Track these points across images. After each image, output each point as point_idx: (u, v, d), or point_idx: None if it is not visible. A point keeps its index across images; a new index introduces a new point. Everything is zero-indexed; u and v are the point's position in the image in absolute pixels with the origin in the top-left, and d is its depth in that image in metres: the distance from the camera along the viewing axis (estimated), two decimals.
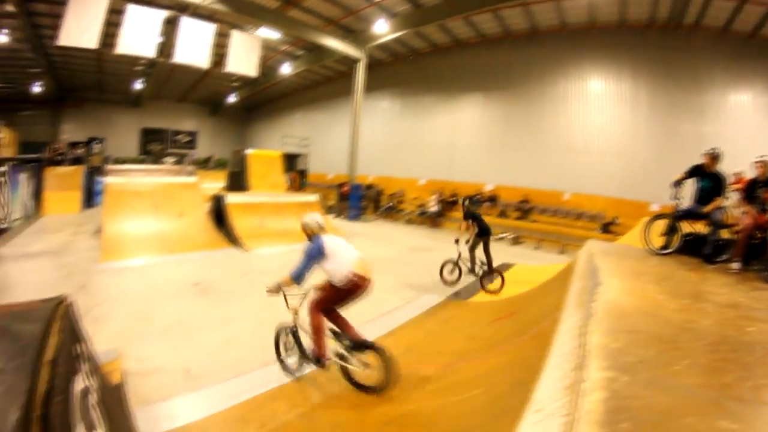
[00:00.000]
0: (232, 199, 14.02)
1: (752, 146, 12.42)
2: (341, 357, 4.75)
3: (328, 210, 20.50)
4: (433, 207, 20.19)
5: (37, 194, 18.74)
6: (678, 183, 6.59)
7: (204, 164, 31.94)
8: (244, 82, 30.67)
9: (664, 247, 6.62)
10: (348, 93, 22.73)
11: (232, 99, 35.01)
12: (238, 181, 16.63)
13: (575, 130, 18.99)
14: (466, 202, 10.69)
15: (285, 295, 5.07)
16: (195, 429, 4.15)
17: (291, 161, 20.13)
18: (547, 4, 18.24)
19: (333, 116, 29.62)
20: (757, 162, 6.32)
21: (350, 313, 5.19)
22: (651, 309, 3.81)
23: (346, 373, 4.74)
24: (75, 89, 31.89)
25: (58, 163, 22.51)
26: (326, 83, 30.43)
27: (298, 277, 4.87)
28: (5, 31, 19.49)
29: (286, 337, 5.34)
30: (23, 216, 16.01)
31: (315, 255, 4.87)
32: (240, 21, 18.87)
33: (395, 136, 25.80)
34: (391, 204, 22.78)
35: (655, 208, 14.89)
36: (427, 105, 24.50)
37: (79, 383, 2.19)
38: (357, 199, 21.40)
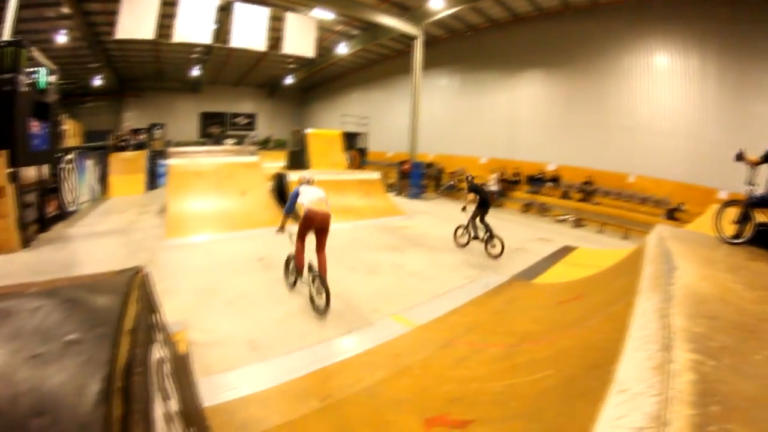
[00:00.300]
0: (295, 177, 14.24)
1: None
2: (311, 279, 6.78)
3: (389, 188, 20.54)
4: (492, 186, 19.82)
5: (103, 178, 19.84)
6: (753, 166, 6.02)
7: (264, 144, 32.75)
8: (301, 63, 31.14)
9: (736, 236, 6.24)
10: (405, 71, 22.57)
11: (289, 81, 35.47)
12: (298, 160, 16.99)
13: (640, 109, 17.92)
14: (470, 178, 11.99)
15: (289, 233, 7.39)
16: (257, 400, 4.22)
17: (350, 140, 20.33)
18: None
19: (391, 94, 29.48)
20: None
21: (418, 288, 5.75)
22: (727, 297, 3.60)
23: (309, 291, 6.78)
24: (134, 79, 33.46)
25: (122, 149, 23.80)
26: (383, 62, 30.25)
27: (287, 211, 7.29)
28: (63, 31, 20.62)
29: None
30: (90, 199, 17.00)
31: (294, 196, 7.22)
32: (293, 3, 18.94)
33: (455, 114, 25.34)
34: (452, 182, 22.55)
35: (723, 195, 13.95)
36: (486, 82, 23.89)
37: (156, 353, 2.22)
38: (418, 178, 21.33)
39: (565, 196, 18.67)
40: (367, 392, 4.23)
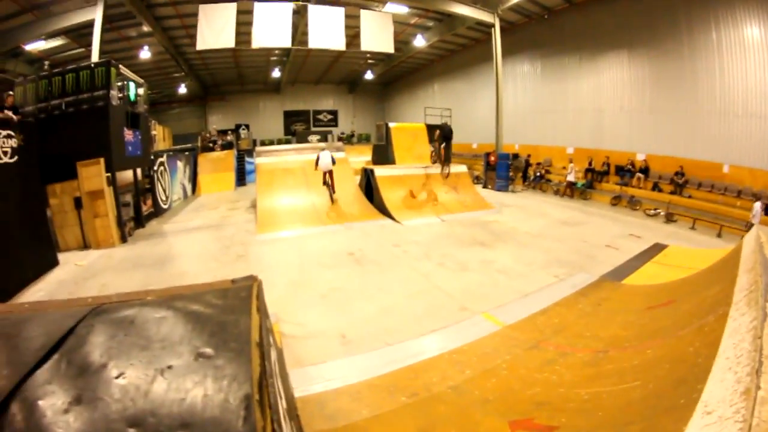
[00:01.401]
0: (381, 172, 14.66)
1: None
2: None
3: (475, 180, 20.42)
4: (570, 176, 19.40)
5: (194, 177, 21.19)
6: None
7: (348, 140, 33.54)
8: (379, 58, 31.49)
9: None
10: (485, 59, 22.42)
11: (368, 76, 35.81)
12: (382, 155, 17.25)
13: (733, 89, 15.98)
14: (438, 132, 15.88)
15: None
16: (347, 393, 4.37)
17: (434, 132, 20.47)
18: None
19: (472, 84, 29.03)
20: None
21: (507, 285, 6.58)
22: None
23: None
24: (216, 84, 35.49)
25: (210, 150, 25.20)
26: (461, 51, 29.89)
27: (316, 164, 13.72)
28: (146, 47, 22.29)
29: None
30: (182, 197, 18.28)
31: (317, 159, 13.67)
32: (366, 1, 19.40)
33: (538, 102, 24.51)
34: (539, 174, 22.03)
35: None
36: (568, 66, 22.82)
37: (273, 356, 2.27)
38: (504, 169, 21.05)
39: (656, 187, 17.69)
40: (454, 391, 4.31)
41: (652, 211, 16.35)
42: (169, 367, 1.54)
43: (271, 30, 17.36)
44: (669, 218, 15.70)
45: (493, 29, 21.38)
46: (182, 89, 33.02)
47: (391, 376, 4.72)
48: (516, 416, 3.64)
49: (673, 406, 2.44)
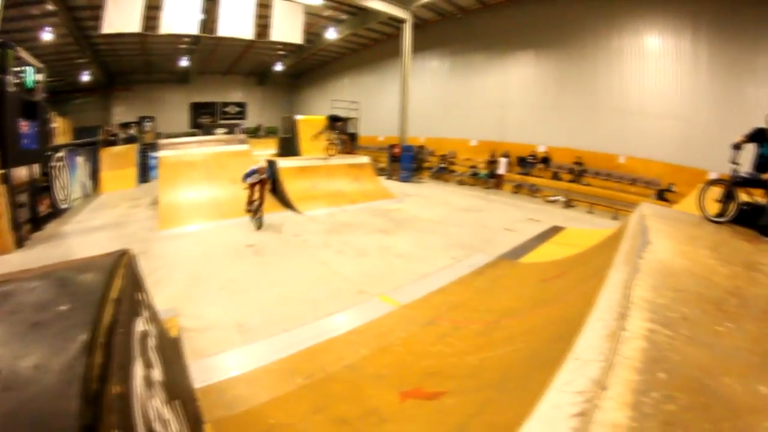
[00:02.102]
0: (284, 163, 14.37)
1: None
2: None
3: (380, 172, 20.59)
4: (500, 169, 20.12)
5: (95, 174, 19.84)
6: (738, 146, 6.08)
7: (254, 133, 32.69)
8: (290, 50, 30.91)
9: (720, 214, 6.29)
10: (396, 55, 22.49)
11: (278, 68, 35.21)
12: (288, 147, 16.99)
13: (631, 90, 17.96)
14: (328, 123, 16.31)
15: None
16: (245, 380, 4.39)
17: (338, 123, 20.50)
18: None
19: (381, 79, 29.33)
20: None
21: (405, 269, 6.29)
22: (701, 272, 3.76)
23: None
24: (122, 73, 33.01)
25: (112, 144, 23.65)
26: (373, 46, 30.03)
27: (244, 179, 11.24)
28: (48, 29, 20.36)
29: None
30: (82, 195, 17.02)
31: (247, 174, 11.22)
32: None
33: (445, 97, 25.28)
34: (442, 165, 22.69)
35: (713, 176, 13.99)
36: (476, 64, 23.78)
37: (140, 325, 2.40)
38: (408, 161, 21.37)
39: (556, 177, 18.76)
40: (350, 369, 4.40)
41: (552, 198, 17.28)
42: (35, 324, 1.77)
43: (181, 15, 16.56)
44: (568, 204, 16.70)
45: (404, 25, 21.57)
46: (86, 77, 30.26)
47: (288, 360, 4.74)
48: (407, 387, 3.75)
49: (549, 359, 2.51)
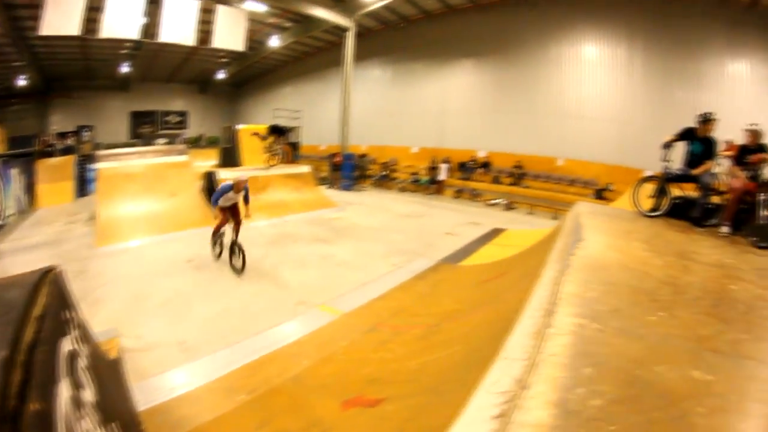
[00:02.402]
0: (223, 174, 13.92)
1: (748, 116, 12.33)
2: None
3: (321, 181, 20.48)
4: (441, 174, 20.40)
5: (30, 188, 18.70)
6: (668, 145, 6.59)
7: (195, 143, 31.75)
8: (232, 57, 30.34)
9: (654, 209, 6.67)
10: (338, 63, 22.41)
11: (221, 76, 34.54)
12: (230, 157, 16.60)
13: (569, 96, 18.82)
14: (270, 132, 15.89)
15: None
16: (189, 399, 4.26)
17: (280, 133, 20.29)
18: None
19: (324, 87, 29.26)
20: (747, 130, 6.42)
21: (346, 277, 6.37)
22: (634, 264, 3.88)
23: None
24: (61, 78, 31.37)
25: (49, 155, 22.28)
26: (316, 54, 29.96)
27: (215, 202, 8.45)
28: None
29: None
30: (17, 211, 16.01)
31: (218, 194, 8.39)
32: None
33: (387, 105, 25.57)
34: (384, 173, 22.82)
35: (648, 174, 14.85)
36: (418, 72, 24.22)
37: (67, 345, 2.30)
38: (349, 169, 21.30)
39: (496, 181, 19.30)
40: (292, 381, 4.33)
41: (493, 201, 17.76)
42: None
43: (123, 19, 15.91)
44: (508, 206, 17.23)
45: (347, 33, 21.53)
46: (22, 82, 28.29)
47: (232, 376, 4.67)
48: (349, 395, 3.74)
49: (484, 358, 2.47)
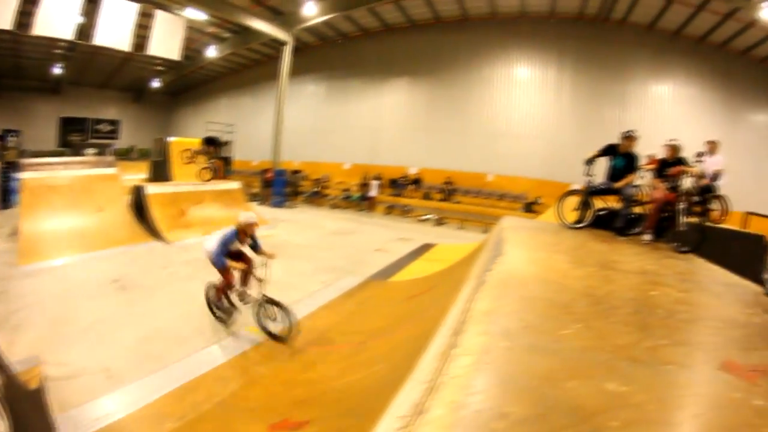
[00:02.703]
0: (152, 189, 13.45)
1: (669, 132, 13.40)
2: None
3: (252, 197, 20.16)
4: (372, 191, 20.55)
5: None
6: (590, 161, 6.94)
7: (126, 154, 30.43)
8: (169, 66, 29.47)
9: (578, 221, 7.03)
10: (274, 77, 22.30)
11: (156, 84, 33.46)
12: (160, 171, 15.99)
13: (499, 115, 19.64)
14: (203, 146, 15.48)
15: None
16: (116, 429, 4.10)
17: (213, 147, 19.88)
18: None
19: (259, 101, 29.03)
20: (666, 145, 6.96)
21: (275, 296, 6.09)
22: (553, 277, 3.95)
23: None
24: None
25: None
26: (253, 67, 29.72)
27: (217, 258, 6.24)
28: None
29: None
30: None
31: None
32: (166, 0, 17.88)
33: (321, 121, 25.73)
34: (316, 189, 22.80)
35: (574, 187, 15.61)
36: (353, 89, 24.54)
37: None
38: (281, 186, 21.02)
39: (427, 197, 19.87)
40: (220, 406, 4.28)
41: (424, 217, 18.23)
42: None
43: (58, 17, 15.11)
44: (439, 222, 17.75)
45: (285, 47, 21.42)
46: None
47: (159, 403, 4.51)
48: (276, 419, 3.72)
49: (400, 379, 2.45)
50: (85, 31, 16.85)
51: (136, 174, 18.96)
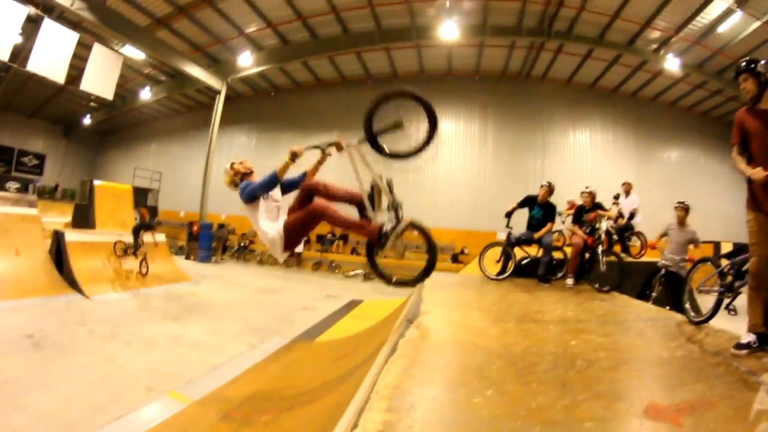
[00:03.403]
0: (73, 237, 12.86)
1: (589, 177, 14.71)
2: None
3: (179, 251, 19.67)
4: (300, 247, 20.21)
5: None
6: (510, 213, 7.45)
7: (50, 193, 28.99)
8: (102, 103, 28.25)
9: (500, 272, 7.42)
10: (206, 125, 22.33)
11: (88, 121, 32.23)
12: (84, 216, 15.23)
13: (425, 168, 20.41)
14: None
15: None
16: None
17: (142, 197, 19.09)
18: (409, 51, 20.11)
19: (189, 149, 28.57)
20: (583, 192, 7.62)
21: (198, 360, 6.23)
22: (469, 338, 3.90)
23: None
24: None
25: None
26: (186, 113, 29.58)
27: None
28: None
29: None
30: None
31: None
32: (106, 34, 17.66)
33: None
34: (242, 244, 22.41)
35: (501, 236, 16.22)
36: (282, 142, 24.69)
37: None
38: (207, 240, 20.49)
39: (354, 252, 20.30)
40: None
41: (352, 273, 18.41)
42: None
43: None
44: (367, 277, 17.86)
45: (218, 96, 21.55)
46: None
47: None
48: None
49: None
50: (20, 53, 16.34)
51: (59, 216, 18.13)
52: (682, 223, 7.41)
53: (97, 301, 11.36)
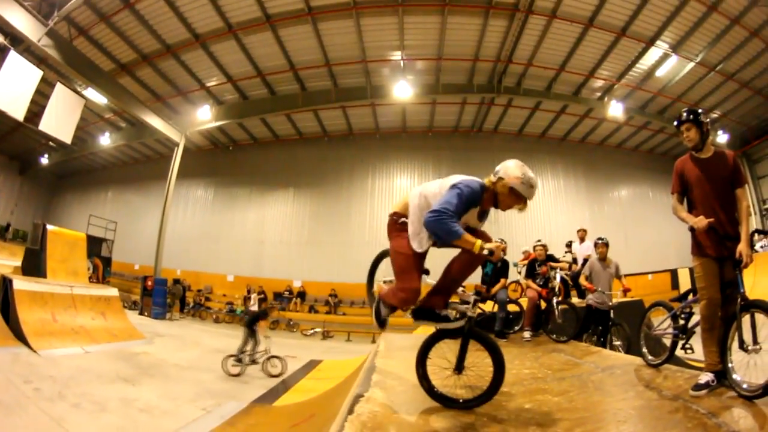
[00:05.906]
0: (22, 285, 12.01)
1: (544, 223, 15.58)
2: None
3: (133, 306, 19.20)
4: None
5: None
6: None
7: (2, 233, 27.96)
8: (61, 144, 27.80)
9: None
10: (163, 176, 22.01)
11: (45, 161, 30.91)
12: (34, 263, 14.58)
13: (382, 225, 20.51)
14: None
15: None
16: None
17: (96, 246, 18.58)
18: (364, 109, 20.99)
19: (146, 200, 28.19)
20: (536, 246, 7.97)
21: (150, 426, 6.00)
22: (421, 415, 3.50)
23: None
24: None
25: None
26: (144, 163, 29.35)
27: None
28: None
29: None
30: None
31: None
32: (70, 74, 17.49)
33: (206, 228, 25.64)
34: (198, 301, 22.03)
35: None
36: (239, 197, 25.25)
37: None
38: (162, 295, 19.86)
39: (312, 309, 20.33)
40: None
41: (310, 332, 18.47)
42: None
43: None
44: (326, 335, 18.03)
45: (176, 148, 21.53)
46: None
47: None
48: None
49: None
50: None
51: (9, 258, 17.44)
52: (603, 258, 7.47)
53: (45, 356, 10.52)
